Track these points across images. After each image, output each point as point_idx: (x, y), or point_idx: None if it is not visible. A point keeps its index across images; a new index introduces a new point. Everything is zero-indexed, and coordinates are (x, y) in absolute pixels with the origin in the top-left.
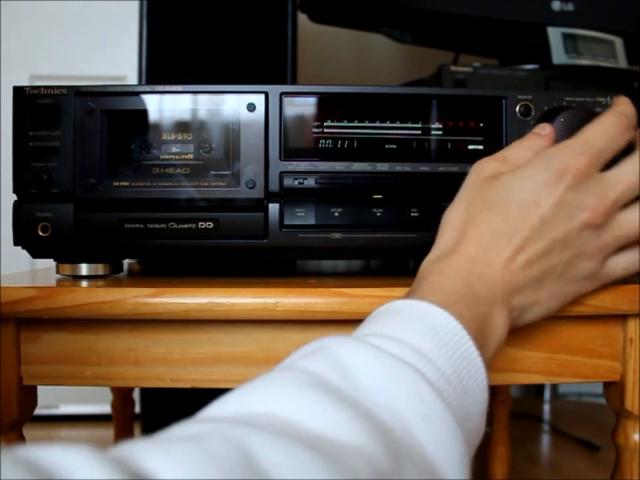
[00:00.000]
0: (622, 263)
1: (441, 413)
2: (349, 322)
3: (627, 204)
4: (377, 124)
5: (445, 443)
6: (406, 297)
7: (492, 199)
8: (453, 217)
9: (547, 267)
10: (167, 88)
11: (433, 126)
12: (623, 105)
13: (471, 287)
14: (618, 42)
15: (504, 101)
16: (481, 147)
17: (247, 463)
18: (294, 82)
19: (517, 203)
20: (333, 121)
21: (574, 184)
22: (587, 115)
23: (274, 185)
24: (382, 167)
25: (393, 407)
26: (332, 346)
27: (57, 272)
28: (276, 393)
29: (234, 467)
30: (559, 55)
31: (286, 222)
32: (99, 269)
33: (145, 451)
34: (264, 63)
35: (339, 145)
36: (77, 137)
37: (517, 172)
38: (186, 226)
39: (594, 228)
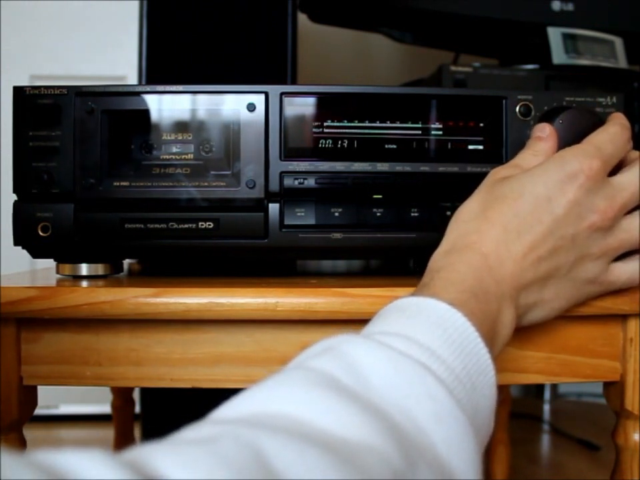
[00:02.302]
0: (629, 271)
1: (451, 410)
2: (350, 322)
3: (630, 210)
4: (377, 124)
5: (456, 440)
6: (416, 292)
7: (504, 192)
8: (466, 211)
9: (554, 266)
10: (167, 88)
11: (432, 126)
12: (621, 119)
13: (482, 283)
14: (618, 42)
15: (504, 101)
16: (480, 147)
17: (259, 464)
18: (294, 82)
19: (529, 197)
20: (332, 121)
21: (586, 185)
22: (587, 116)
23: (274, 185)
24: (382, 166)
25: (404, 405)
26: (341, 345)
27: (57, 272)
28: (287, 392)
29: (246, 469)
30: (559, 55)
31: (286, 222)
32: (99, 269)
33: (157, 454)
34: (264, 63)
35: (339, 145)
36: (77, 136)
37: (530, 171)
38: (186, 226)
39: (602, 230)
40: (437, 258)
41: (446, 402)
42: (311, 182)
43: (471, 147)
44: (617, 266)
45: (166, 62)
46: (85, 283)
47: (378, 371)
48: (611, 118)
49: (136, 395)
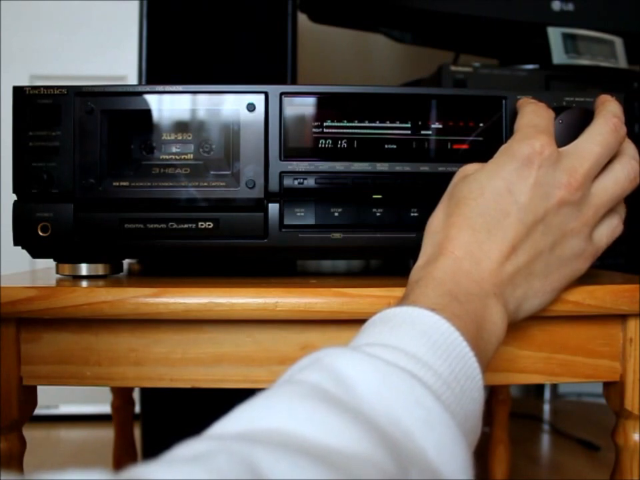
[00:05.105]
0: (605, 232)
1: (440, 416)
2: (349, 322)
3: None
4: (377, 124)
5: (447, 446)
6: (398, 303)
7: (464, 194)
8: (434, 222)
9: (534, 252)
10: (167, 88)
11: (433, 126)
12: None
13: (461, 286)
14: (618, 42)
15: (504, 101)
16: (480, 147)
17: (254, 478)
18: (294, 82)
19: (489, 194)
20: (332, 121)
21: (544, 165)
22: (586, 116)
23: (274, 185)
24: (382, 166)
25: (393, 414)
26: (327, 357)
27: (57, 272)
28: (278, 407)
29: None
30: (559, 55)
31: (286, 222)
32: (99, 268)
33: (153, 472)
34: (264, 63)
35: (338, 145)
36: (77, 137)
37: (485, 168)
38: (186, 226)
39: (572, 204)
40: (415, 272)
41: (435, 408)
42: (310, 182)
43: (470, 147)
44: (596, 232)
45: (166, 62)
46: (84, 283)
47: (366, 381)
48: (597, 103)
49: (136, 395)
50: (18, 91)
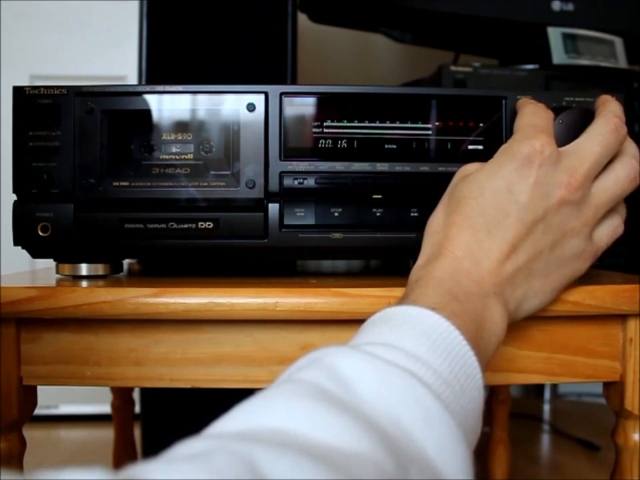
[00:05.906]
0: (605, 232)
1: (440, 415)
2: (349, 322)
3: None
4: (377, 124)
5: (447, 445)
6: (398, 303)
7: (464, 194)
8: (434, 221)
9: (534, 252)
10: (167, 88)
11: (432, 126)
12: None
13: (461, 285)
14: (618, 42)
15: (504, 101)
16: (480, 147)
17: (253, 477)
18: (294, 82)
19: (489, 193)
20: (332, 121)
21: (545, 164)
22: (586, 116)
23: (274, 185)
24: (382, 166)
25: (392, 413)
26: (327, 357)
27: (57, 272)
28: (278, 406)
29: None
30: (559, 55)
31: (286, 222)
32: (99, 268)
33: (153, 471)
34: (264, 63)
35: (338, 145)
36: (77, 137)
37: (485, 168)
38: (186, 226)
39: (572, 204)
40: (415, 271)
41: (434, 407)
42: (310, 182)
43: (470, 147)
44: (597, 232)
45: (166, 62)
46: (84, 283)
47: (365, 380)
48: (598, 103)
49: (136, 395)
50: (18, 91)
